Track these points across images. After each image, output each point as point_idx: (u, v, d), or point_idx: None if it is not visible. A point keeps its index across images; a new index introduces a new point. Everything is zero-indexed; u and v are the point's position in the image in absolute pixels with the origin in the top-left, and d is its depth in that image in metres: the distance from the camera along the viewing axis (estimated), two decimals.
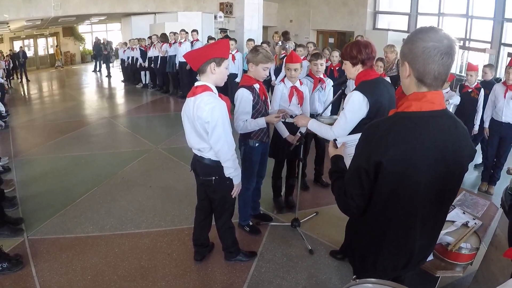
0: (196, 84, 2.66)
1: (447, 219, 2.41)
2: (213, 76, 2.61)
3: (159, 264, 3.27)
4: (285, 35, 9.26)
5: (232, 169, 2.73)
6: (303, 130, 3.75)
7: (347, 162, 1.79)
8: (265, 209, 4.18)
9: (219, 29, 11.76)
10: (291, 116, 3.71)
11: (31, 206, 4.27)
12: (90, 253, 3.41)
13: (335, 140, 1.92)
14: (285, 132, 3.65)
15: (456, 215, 2.53)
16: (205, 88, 2.59)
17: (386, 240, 1.62)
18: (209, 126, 2.55)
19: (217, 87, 2.70)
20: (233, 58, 8.27)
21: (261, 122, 3.21)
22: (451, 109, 4.98)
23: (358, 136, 1.78)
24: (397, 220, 1.56)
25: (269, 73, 7.78)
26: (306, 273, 3.16)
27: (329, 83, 4.31)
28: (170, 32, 10.64)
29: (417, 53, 1.43)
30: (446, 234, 2.20)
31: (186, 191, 4.58)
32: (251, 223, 3.79)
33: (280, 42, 8.50)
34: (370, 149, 1.47)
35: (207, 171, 2.81)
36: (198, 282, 3.06)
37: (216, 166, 2.74)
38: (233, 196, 2.90)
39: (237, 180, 2.82)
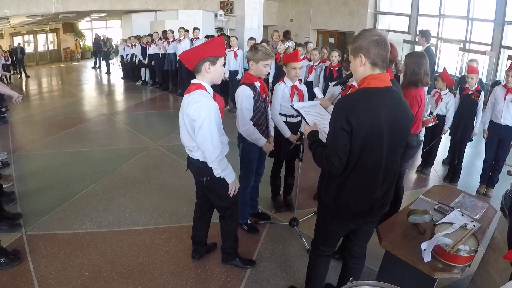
0: (192, 81, 2.64)
1: (446, 221, 2.43)
2: (208, 75, 2.59)
3: (157, 261, 3.27)
4: (286, 35, 9.24)
5: (220, 170, 2.68)
6: (303, 129, 3.76)
7: (306, 117, 2.46)
8: (264, 208, 4.18)
9: (215, 28, 11.74)
10: (293, 116, 3.72)
11: (30, 201, 4.27)
12: (88, 249, 3.41)
13: (291, 105, 2.66)
14: (287, 132, 3.65)
15: (454, 217, 2.53)
16: (198, 86, 2.58)
17: (356, 187, 2.06)
18: (196, 124, 2.53)
19: (218, 85, 2.70)
20: (235, 55, 8.29)
21: (260, 141, 3.33)
22: (451, 111, 4.97)
23: (311, 103, 2.72)
24: (366, 170, 2.00)
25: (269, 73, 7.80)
26: (303, 273, 3.14)
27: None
28: (169, 30, 10.63)
29: (370, 45, 1.92)
30: (445, 235, 2.19)
31: (185, 188, 4.58)
32: (249, 222, 3.79)
33: (289, 43, 8.45)
34: (346, 114, 1.87)
35: (198, 171, 2.80)
36: (195, 280, 3.06)
37: (205, 167, 2.70)
38: (230, 195, 2.84)
39: (230, 178, 2.77)
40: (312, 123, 2.42)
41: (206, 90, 2.60)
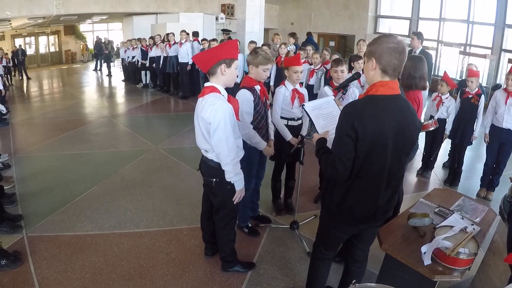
0: (206, 84, 2.65)
1: (446, 224, 2.44)
2: (223, 77, 2.60)
3: (158, 264, 3.28)
4: (294, 36, 9.21)
5: (232, 174, 2.68)
6: (304, 133, 3.77)
7: (316, 122, 2.48)
8: (264, 211, 4.19)
9: (222, 30, 11.74)
10: (294, 119, 3.73)
11: (31, 203, 4.28)
12: (89, 251, 3.42)
13: (302, 106, 2.60)
14: (288, 135, 3.66)
15: (454, 220, 2.54)
16: (212, 89, 2.58)
17: (360, 193, 2.06)
18: (211, 127, 2.53)
19: None
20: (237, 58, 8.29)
21: (261, 145, 3.34)
22: (452, 115, 4.98)
23: (324, 100, 2.69)
24: (370, 177, 2.02)
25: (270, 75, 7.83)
26: (304, 276, 3.15)
27: (353, 91, 3.90)
28: (170, 33, 10.67)
29: (382, 52, 1.91)
30: (445, 239, 2.20)
31: (186, 191, 4.59)
32: (250, 225, 3.80)
33: (290, 46, 8.42)
34: (352, 120, 1.89)
35: (209, 172, 2.78)
36: (196, 282, 3.06)
37: (218, 168, 2.70)
38: (234, 202, 2.83)
39: (239, 185, 2.76)
40: (321, 128, 2.45)
41: (220, 93, 2.60)
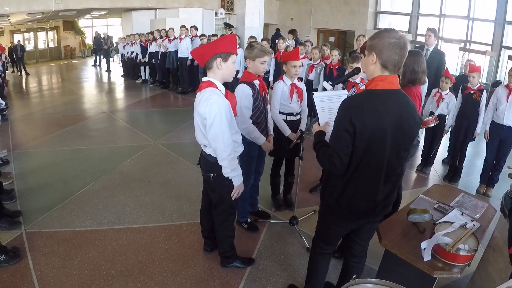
0: (203, 79, 2.63)
1: (445, 220, 2.43)
2: (219, 71, 2.58)
3: (157, 260, 3.27)
4: (293, 33, 9.23)
5: (229, 169, 2.66)
6: (303, 128, 3.76)
7: (320, 114, 2.46)
8: (263, 207, 4.18)
9: (224, 23, 11.69)
10: (293, 114, 3.72)
11: (29, 199, 4.27)
12: (87, 247, 3.41)
13: (312, 94, 2.57)
14: (287, 131, 3.65)
15: (454, 217, 2.53)
16: (209, 84, 2.57)
17: (359, 189, 2.06)
18: (207, 122, 2.52)
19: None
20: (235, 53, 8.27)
21: (260, 140, 3.33)
22: (452, 112, 4.97)
23: (332, 93, 2.65)
24: (369, 172, 2.01)
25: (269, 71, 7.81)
26: (303, 271, 3.15)
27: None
28: (170, 28, 10.64)
29: (384, 46, 1.88)
30: (444, 235, 2.19)
31: (185, 186, 4.59)
32: (249, 220, 3.79)
33: (289, 41, 8.39)
34: (350, 115, 1.88)
35: (208, 167, 2.78)
36: (195, 278, 3.06)
37: (216, 163, 2.69)
38: (232, 198, 2.82)
39: (237, 181, 2.75)
40: (323, 122, 2.43)
41: (217, 88, 2.58)
